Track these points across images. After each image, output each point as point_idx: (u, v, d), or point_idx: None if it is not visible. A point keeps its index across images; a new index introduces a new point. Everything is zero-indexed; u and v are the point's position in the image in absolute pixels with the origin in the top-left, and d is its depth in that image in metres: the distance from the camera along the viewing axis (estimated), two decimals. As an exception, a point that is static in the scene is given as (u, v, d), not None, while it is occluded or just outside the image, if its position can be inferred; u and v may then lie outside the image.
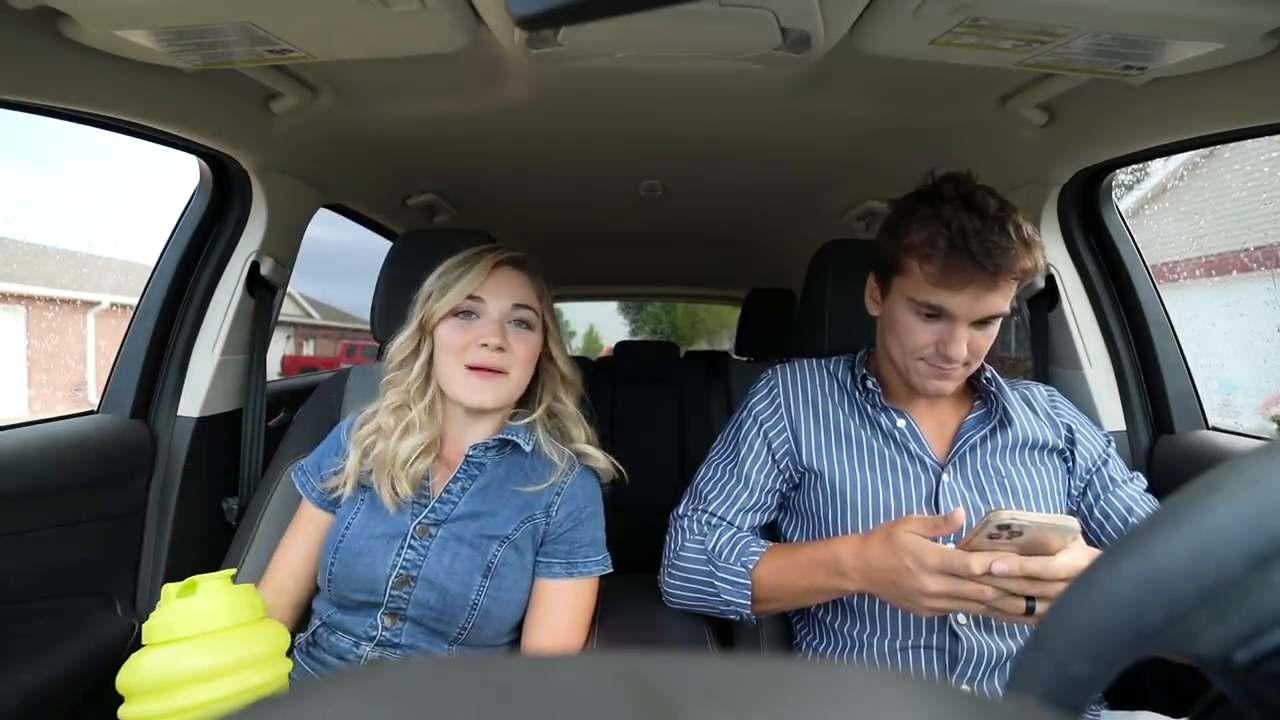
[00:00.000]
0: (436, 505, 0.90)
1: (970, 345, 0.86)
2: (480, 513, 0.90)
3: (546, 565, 0.92)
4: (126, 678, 0.63)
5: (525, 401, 1.00)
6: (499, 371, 0.89)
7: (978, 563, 0.69)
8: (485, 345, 0.87)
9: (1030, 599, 0.69)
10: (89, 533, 1.08)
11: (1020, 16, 0.74)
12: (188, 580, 0.68)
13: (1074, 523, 0.69)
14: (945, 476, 0.93)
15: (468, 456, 0.93)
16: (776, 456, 1.00)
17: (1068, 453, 0.97)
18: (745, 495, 1.00)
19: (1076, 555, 0.70)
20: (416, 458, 0.90)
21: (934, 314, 0.86)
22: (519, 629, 0.93)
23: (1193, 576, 0.25)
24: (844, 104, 1.12)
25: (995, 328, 0.89)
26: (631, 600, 1.06)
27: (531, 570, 0.92)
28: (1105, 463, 0.97)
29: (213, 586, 0.68)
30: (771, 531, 1.07)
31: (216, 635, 0.65)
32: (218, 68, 0.90)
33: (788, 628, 1.04)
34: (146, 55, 0.84)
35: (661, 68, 0.96)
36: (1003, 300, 0.84)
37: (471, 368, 0.88)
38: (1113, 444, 1.00)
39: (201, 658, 0.63)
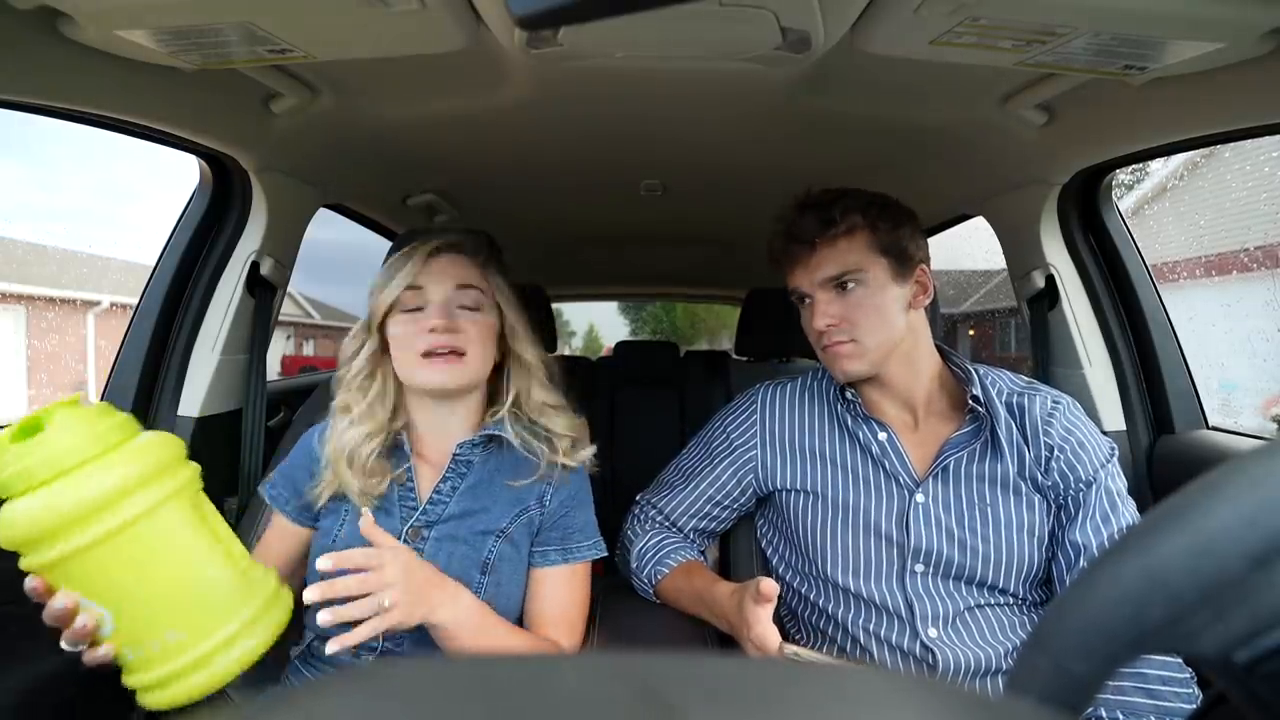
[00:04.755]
0: (428, 507, 0.90)
1: (842, 315, 0.92)
2: (473, 510, 0.90)
3: (543, 554, 0.91)
4: (4, 533, 0.56)
5: (497, 396, 0.98)
6: (455, 353, 0.87)
7: (775, 648, 0.80)
8: (433, 330, 0.86)
9: None
10: (89, 533, 1.08)
11: (1020, 16, 0.73)
12: (24, 419, 0.58)
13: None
14: (919, 497, 0.92)
15: (455, 455, 0.91)
16: (740, 476, 1.04)
17: (1039, 477, 0.90)
18: (691, 503, 1.06)
19: None
20: (362, 445, 0.88)
21: (801, 298, 0.97)
22: (519, 625, 0.92)
23: (1193, 576, 0.25)
24: (844, 104, 1.12)
25: (863, 295, 0.91)
26: (631, 600, 1.06)
27: (528, 562, 0.92)
28: (1088, 487, 0.88)
29: (63, 419, 0.57)
30: (747, 530, 1.10)
31: (91, 463, 0.57)
32: (217, 68, 0.90)
33: (782, 627, 1.04)
34: (146, 55, 0.84)
35: (661, 67, 0.96)
36: (837, 259, 0.92)
37: (426, 355, 0.86)
38: (1110, 464, 0.90)
39: (85, 488, 0.55)
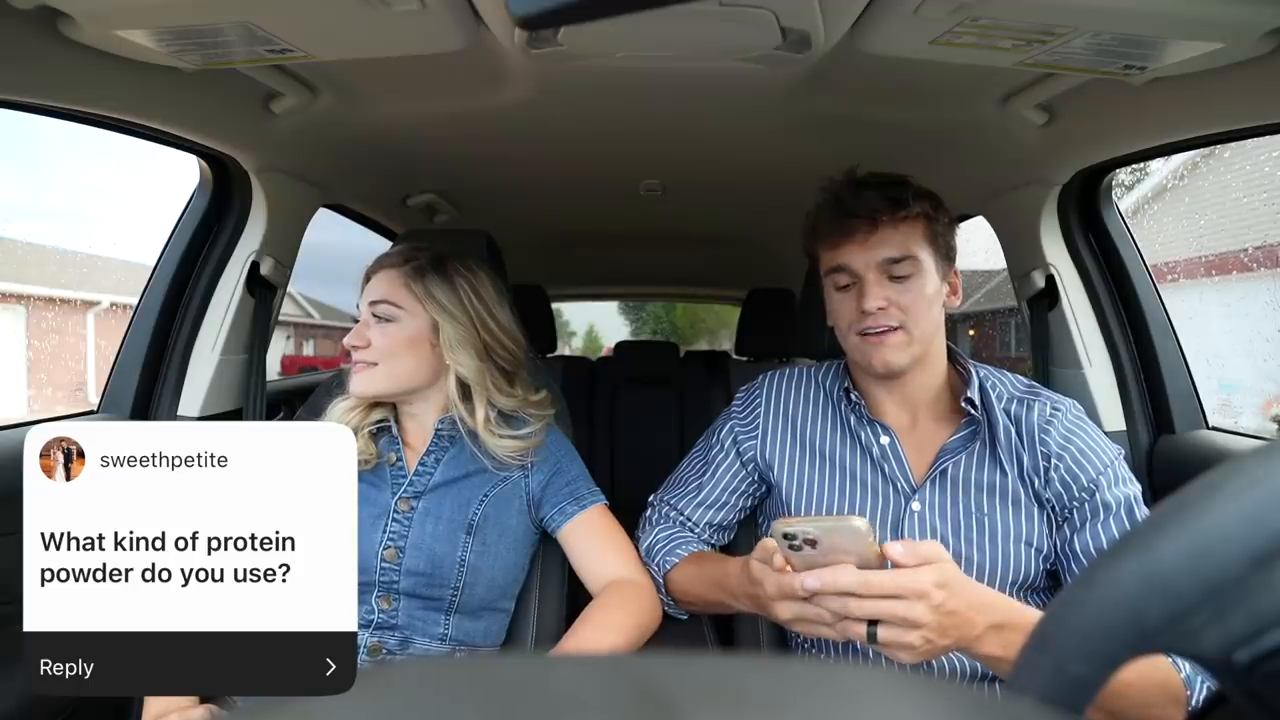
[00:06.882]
0: (414, 478, 0.96)
1: (893, 301, 0.87)
2: (456, 479, 0.97)
3: (559, 510, 0.98)
4: None
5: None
6: (365, 363, 0.94)
7: (804, 583, 0.66)
8: (348, 343, 0.95)
9: (871, 623, 0.64)
10: (89, 533, 1.08)
11: (1020, 16, 0.73)
12: None
13: (854, 521, 0.63)
14: (915, 505, 0.89)
15: (437, 430, 0.98)
16: (744, 461, 1.02)
17: (1039, 486, 0.87)
18: (706, 492, 1.03)
19: (901, 575, 0.64)
20: (348, 417, 0.96)
21: (846, 282, 0.91)
22: (512, 598, 0.99)
23: (1193, 576, 0.25)
24: (844, 104, 1.12)
25: (917, 285, 0.88)
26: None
27: (514, 530, 0.96)
28: (1092, 494, 0.85)
29: None
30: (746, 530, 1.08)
31: None
32: (218, 68, 0.90)
33: (782, 629, 1.04)
34: (146, 55, 0.84)
35: (661, 67, 0.96)
36: (899, 242, 0.88)
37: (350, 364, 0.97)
38: (1112, 467, 0.86)
39: None
